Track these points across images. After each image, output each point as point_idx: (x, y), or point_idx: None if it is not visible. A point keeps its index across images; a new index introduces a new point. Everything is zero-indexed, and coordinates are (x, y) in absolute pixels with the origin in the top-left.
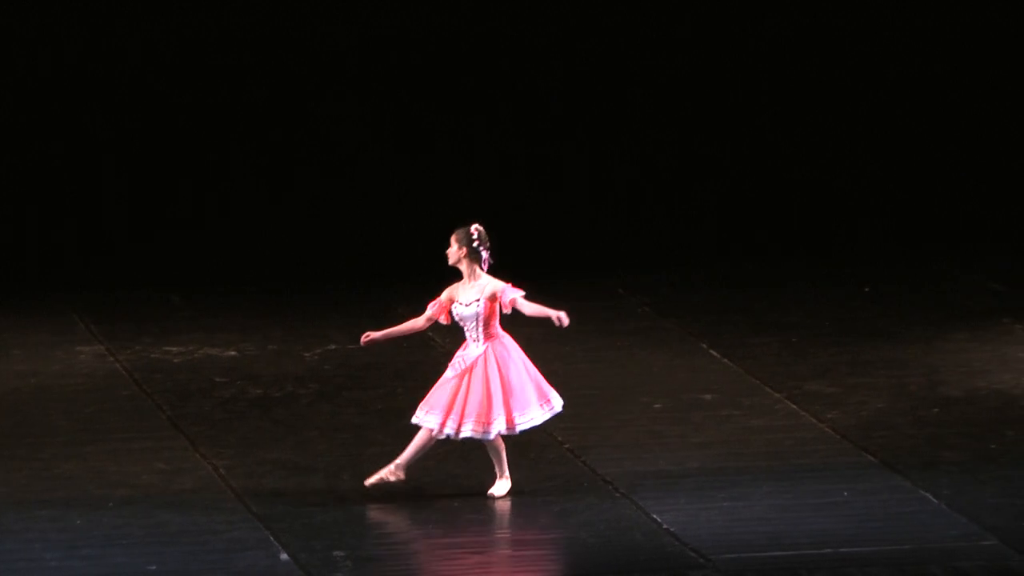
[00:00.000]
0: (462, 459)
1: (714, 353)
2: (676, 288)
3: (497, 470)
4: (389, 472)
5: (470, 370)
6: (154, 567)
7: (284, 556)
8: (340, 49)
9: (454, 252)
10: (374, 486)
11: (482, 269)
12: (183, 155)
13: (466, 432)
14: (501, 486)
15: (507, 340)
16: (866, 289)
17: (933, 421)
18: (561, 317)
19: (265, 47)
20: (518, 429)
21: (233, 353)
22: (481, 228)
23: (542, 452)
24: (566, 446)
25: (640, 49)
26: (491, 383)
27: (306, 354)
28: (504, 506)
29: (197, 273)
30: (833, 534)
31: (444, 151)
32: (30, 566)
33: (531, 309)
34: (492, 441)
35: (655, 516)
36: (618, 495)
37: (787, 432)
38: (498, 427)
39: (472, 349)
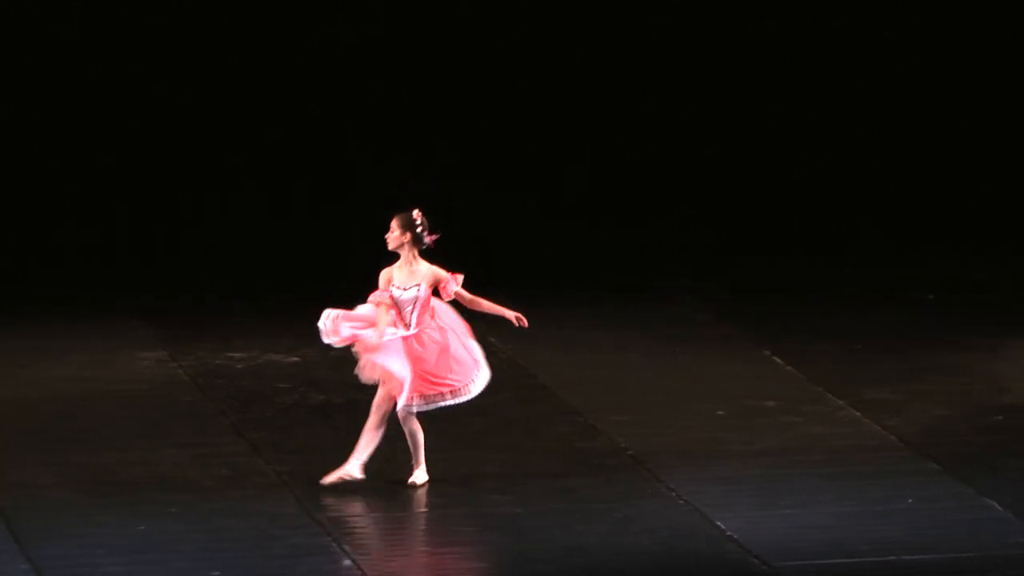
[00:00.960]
0: (522, 469)
1: (776, 360)
2: (738, 294)
3: (413, 459)
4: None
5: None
6: (216, 572)
7: (346, 562)
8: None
9: (396, 237)
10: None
11: (421, 254)
12: (243, 158)
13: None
14: (420, 474)
15: (444, 319)
16: (930, 296)
17: (996, 428)
18: (521, 318)
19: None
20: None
21: (296, 359)
22: (421, 213)
23: (604, 458)
24: (629, 452)
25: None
26: (414, 359)
27: None
28: (566, 511)
29: (260, 278)
30: (895, 542)
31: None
32: (92, 572)
33: (487, 306)
34: (411, 426)
35: (718, 523)
36: (681, 502)
37: (849, 439)
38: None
39: (400, 332)
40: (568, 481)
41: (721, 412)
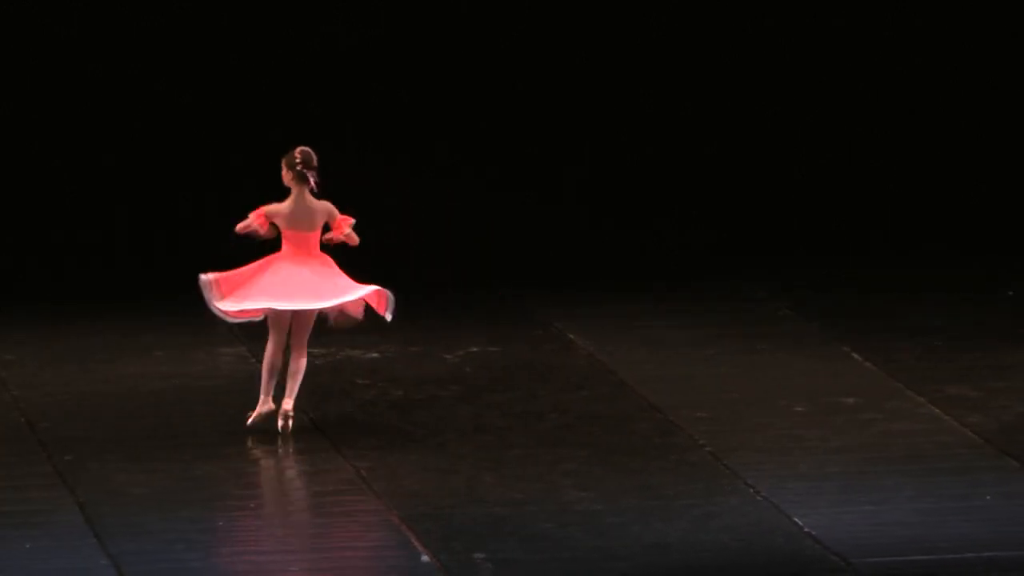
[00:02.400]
0: (602, 465)
1: (856, 356)
2: (818, 291)
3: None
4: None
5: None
6: (295, 568)
7: (425, 558)
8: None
9: (284, 174)
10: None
11: (311, 191)
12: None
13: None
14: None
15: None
16: (1010, 293)
17: None
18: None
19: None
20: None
21: (374, 355)
22: (307, 150)
23: (683, 455)
24: (707, 449)
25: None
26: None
27: (447, 356)
28: (646, 507)
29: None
30: (975, 539)
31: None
32: (172, 567)
33: (353, 241)
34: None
35: (796, 519)
36: (759, 498)
37: (929, 436)
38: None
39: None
40: (648, 478)
41: (800, 409)
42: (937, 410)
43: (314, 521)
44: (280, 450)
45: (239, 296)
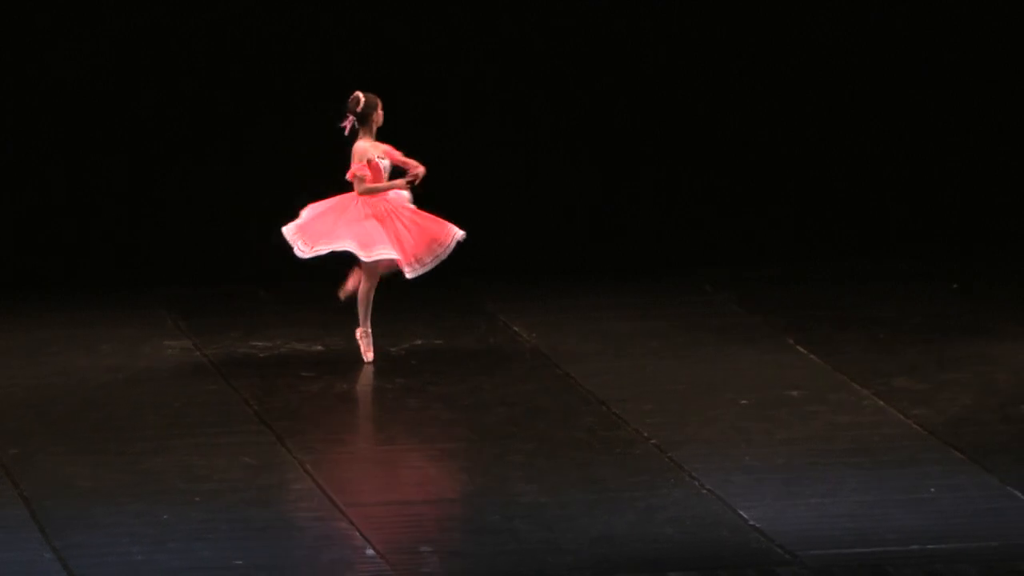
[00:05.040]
0: (548, 458)
1: (801, 349)
2: (764, 284)
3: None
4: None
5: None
6: (240, 561)
7: (370, 551)
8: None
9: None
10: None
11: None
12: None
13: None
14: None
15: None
16: (954, 285)
17: (1021, 418)
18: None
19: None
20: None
21: (319, 348)
22: (355, 95)
23: (629, 448)
24: (652, 442)
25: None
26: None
27: (392, 349)
28: (591, 500)
29: (283, 267)
30: (920, 531)
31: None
32: (118, 560)
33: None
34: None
35: (741, 512)
36: (704, 491)
37: (874, 428)
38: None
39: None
40: (593, 471)
41: (745, 401)
42: (882, 402)
43: (259, 514)
44: (225, 443)
45: (322, 241)
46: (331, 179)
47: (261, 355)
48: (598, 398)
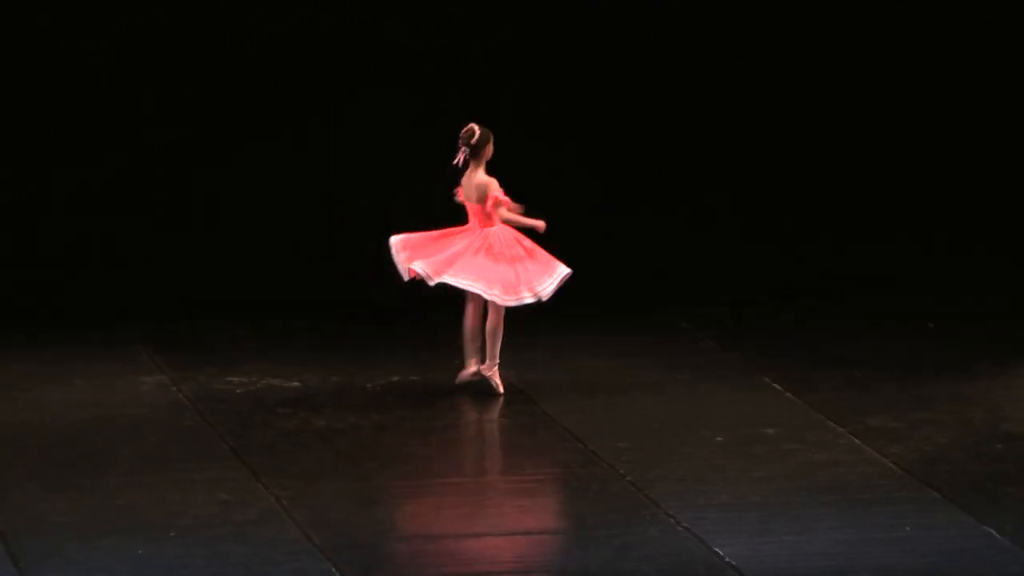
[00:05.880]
0: (523, 495)
1: (777, 387)
2: (740, 321)
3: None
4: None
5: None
6: None
7: None
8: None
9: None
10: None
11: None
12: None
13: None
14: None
15: (503, 235)
16: (930, 325)
17: (997, 457)
18: (538, 225)
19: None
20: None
21: (296, 384)
22: (471, 127)
23: (604, 485)
24: (628, 479)
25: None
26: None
27: (368, 385)
28: (567, 540)
29: (260, 303)
30: (896, 569)
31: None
32: None
33: (515, 219)
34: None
35: (717, 550)
36: (680, 528)
37: (850, 467)
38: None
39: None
40: (569, 507)
41: (721, 439)
42: (858, 441)
43: (235, 550)
44: (201, 479)
45: (421, 262)
46: (310, 208)
47: (237, 391)
48: (574, 435)
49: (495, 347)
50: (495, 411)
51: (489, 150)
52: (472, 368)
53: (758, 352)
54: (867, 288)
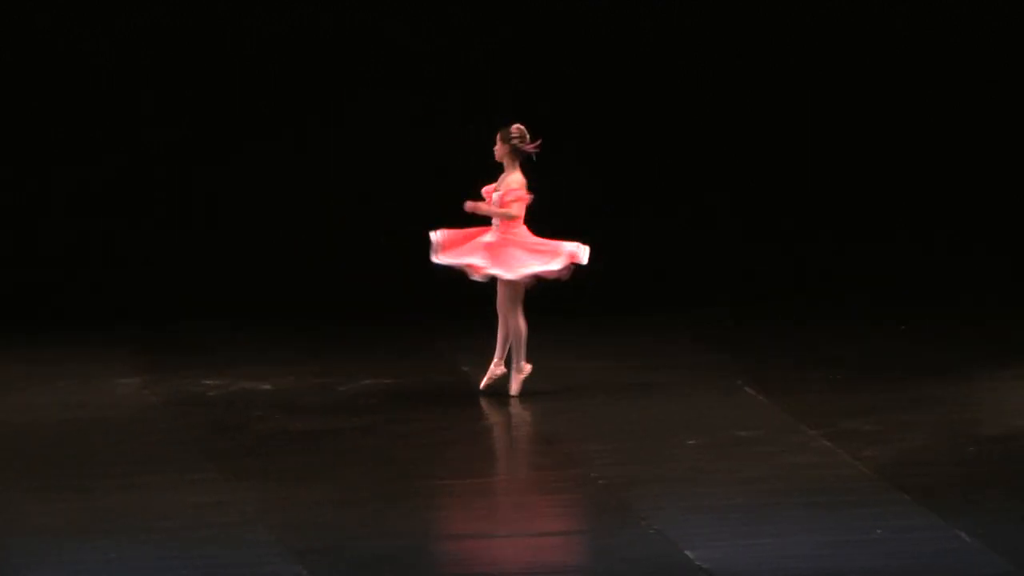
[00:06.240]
0: (498, 497)
1: (752, 390)
2: (717, 325)
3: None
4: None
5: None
6: None
7: None
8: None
9: (498, 148)
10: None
11: (517, 166)
12: (217, 185)
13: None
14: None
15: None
16: (902, 327)
17: (970, 460)
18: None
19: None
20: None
21: (268, 387)
22: (522, 127)
23: (579, 487)
24: (602, 482)
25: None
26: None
27: (343, 388)
28: (542, 543)
29: (236, 306)
30: (870, 571)
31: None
32: None
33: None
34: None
35: (693, 553)
36: (654, 532)
37: (825, 469)
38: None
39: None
40: (544, 510)
41: (696, 442)
42: (832, 444)
43: (211, 553)
44: (178, 482)
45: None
46: (310, 208)
47: (211, 394)
48: (548, 438)
49: (514, 349)
50: (471, 414)
51: (525, 150)
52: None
53: (734, 355)
54: (867, 288)
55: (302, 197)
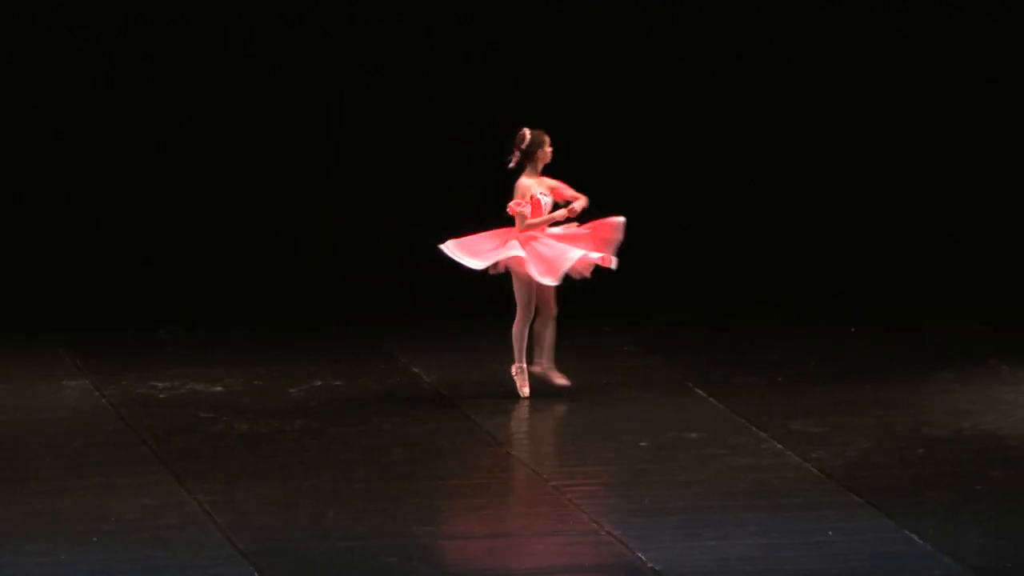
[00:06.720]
0: (447, 499)
1: (700, 392)
2: (663, 327)
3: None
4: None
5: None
6: None
7: None
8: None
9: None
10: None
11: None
12: (166, 189)
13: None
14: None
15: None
16: (852, 330)
17: (918, 461)
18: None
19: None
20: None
21: (219, 388)
22: (522, 132)
23: (528, 489)
24: (551, 483)
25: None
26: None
27: (292, 390)
28: (490, 545)
29: (184, 308)
30: (818, 573)
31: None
32: None
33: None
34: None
35: (640, 554)
36: (603, 533)
37: (772, 471)
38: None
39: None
40: (492, 512)
41: (644, 444)
42: (780, 446)
43: (157, 555)
44: (123, 484)
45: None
46: (310, 208)
47: (160, 395)
48: (497, 439)
49: (515, 348)
50: (418, 416)
51: (544, 154)
52: (536, 368)
53: (681, 357)
54: (787, 292)
55: (302, 197)
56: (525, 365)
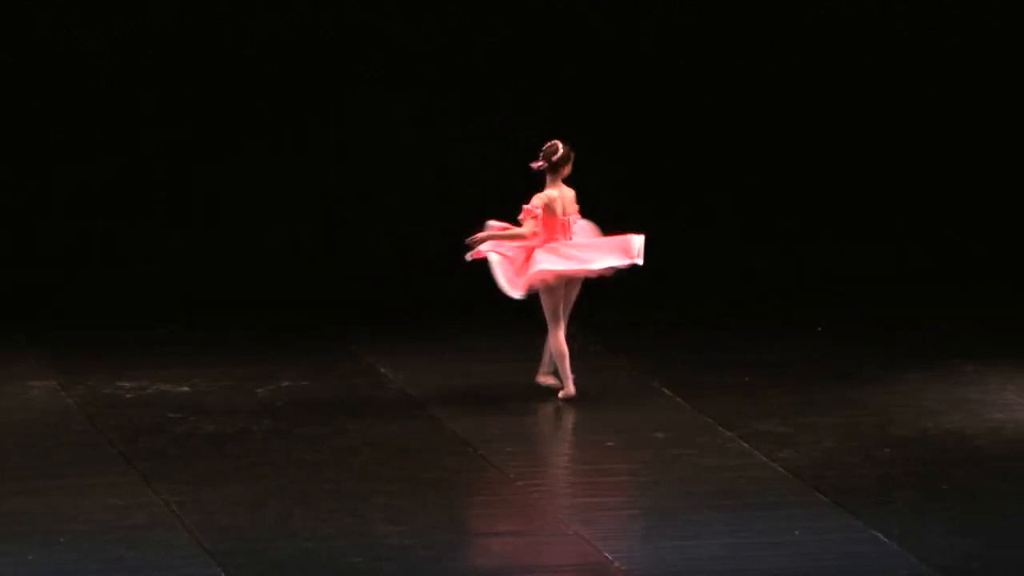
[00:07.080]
0: (413, 499)
1: (666, 392)
2: (629, 327)
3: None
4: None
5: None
6: None
7: None
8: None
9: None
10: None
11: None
12: (166, 189)
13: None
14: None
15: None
16: (819, 328)
17: (884, 461)
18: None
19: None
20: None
21: (186, 389)
22: (559, 145)
23: (494, 489)
24: (518, 483)
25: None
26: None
27: (259, 390)
28: (457, 545)
29: (150, 309)
30: (785, 573)
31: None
32: None
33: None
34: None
35: (607, 554)
36: (571, 533)
37: (739, 471)
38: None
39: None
40: (459, 512)
41: (611, 443)
42: (747, 445)
43: (125, 555)
44: (91, 484)
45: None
46: (310, 208)
47: (127, 396)
48: (463, 439)
49: (560, 369)
50: (385, 416)
51: (566, 170)
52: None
53: (647, 357)
54: (754, 292)
55: (302, 197)
56: (572, 377)
